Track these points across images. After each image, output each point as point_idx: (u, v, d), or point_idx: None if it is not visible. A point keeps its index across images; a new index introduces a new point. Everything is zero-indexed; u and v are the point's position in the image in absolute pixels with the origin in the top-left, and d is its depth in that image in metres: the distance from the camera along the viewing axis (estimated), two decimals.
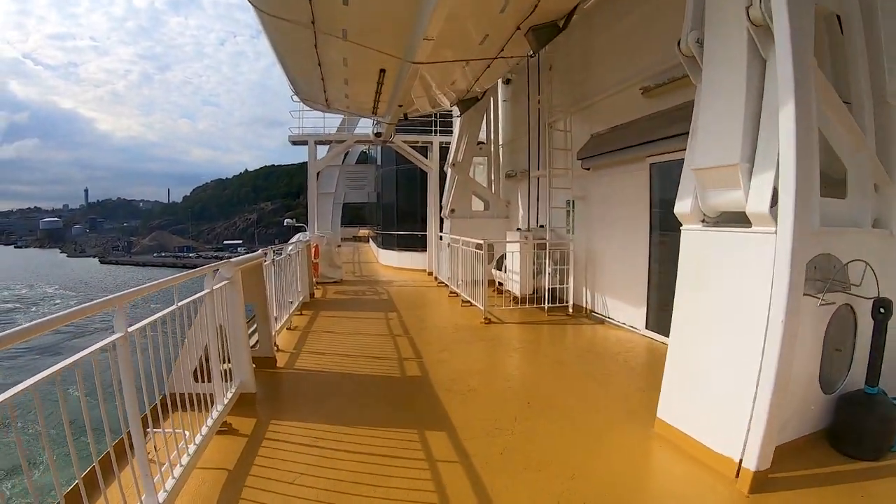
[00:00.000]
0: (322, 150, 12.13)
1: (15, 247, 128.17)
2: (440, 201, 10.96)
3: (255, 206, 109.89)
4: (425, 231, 12.35)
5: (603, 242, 7.17)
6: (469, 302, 7.91)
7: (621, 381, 4.50)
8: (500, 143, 10.75)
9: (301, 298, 7.76)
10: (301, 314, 7.38)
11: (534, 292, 7.67)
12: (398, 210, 14.39)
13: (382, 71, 6.06)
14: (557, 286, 7.42)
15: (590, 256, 7.45)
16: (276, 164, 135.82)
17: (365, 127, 13.63)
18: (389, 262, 14.56)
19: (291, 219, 20.52)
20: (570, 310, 7.31)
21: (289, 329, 6.28)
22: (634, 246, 6.32)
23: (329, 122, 12.85)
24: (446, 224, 10.25)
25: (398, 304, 8.56)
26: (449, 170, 10.22)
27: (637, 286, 6.24)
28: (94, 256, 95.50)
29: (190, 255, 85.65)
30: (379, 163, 15.63)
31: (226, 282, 3.35)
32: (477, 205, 10.78)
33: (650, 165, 6.04)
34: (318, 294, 9.46)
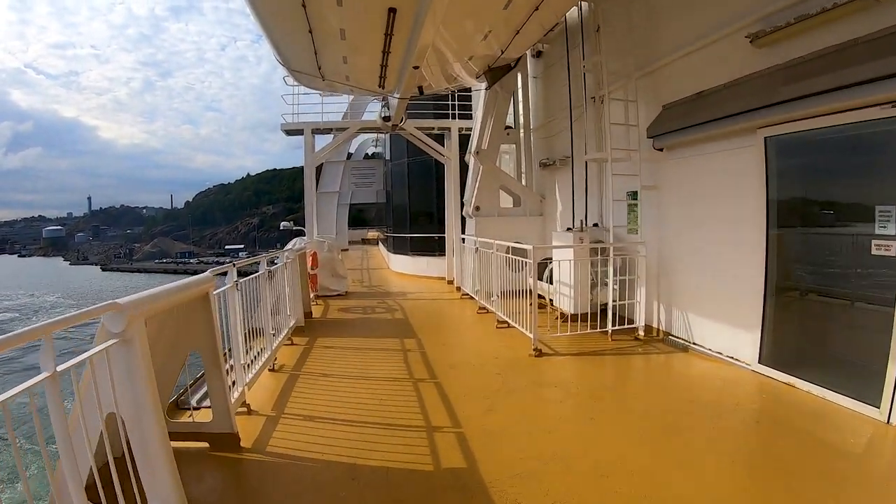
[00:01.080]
0: (322, 142, 10.50)
1: (19, 256, 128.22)
2: (461, 197, 9.34)
3: (257, 211, 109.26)
4: (443, 233, 10.74)
5: (685, 245, 5.53)
6: (506, 323, 6.28)
7: (779, 468, 2.84)
8: (531, 127, 9.10)
9: (293, 323, 6.16)
10: (291, 343, 5.80)
11: (589, 309, 6.01)
12: (411, 209, 12.76)
13: (392, 12, 4.43)
14: (616, 302, 5.78)
15: (664, 263, 5.81)
16: (278, 167, 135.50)
17: (372, 111, 12.06)
18: (402, 268, 12.92)
19: (289, 222, 18.91)
20: (641, 332, 5.68)
21: (271, 370, 4.69)
22: (739, 249, 4.70)
23: (329, 109, 11.28)
24: (469, 224, 8.62)
25: (416, 324, 6.96)
26: (471, 159, 8.57)
27: (743, 304, 4.61)
28: (97, 264, 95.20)
29: (191, 260, 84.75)
30: (388, 157, 13.93)
31: (112, 342, 1.75)
32: (504, 200, 9.14)
33: (765, 140, 4.40)
34: (317, 311, 7.88)
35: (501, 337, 5.98)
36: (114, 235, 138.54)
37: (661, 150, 5.72)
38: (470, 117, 10.29)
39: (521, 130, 9.14)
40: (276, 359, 4.89)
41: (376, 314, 7.91)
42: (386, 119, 8.78)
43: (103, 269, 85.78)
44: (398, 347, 5.65)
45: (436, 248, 11.32)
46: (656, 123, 5.66)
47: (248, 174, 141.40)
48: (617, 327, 5.69)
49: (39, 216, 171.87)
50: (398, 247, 13.47)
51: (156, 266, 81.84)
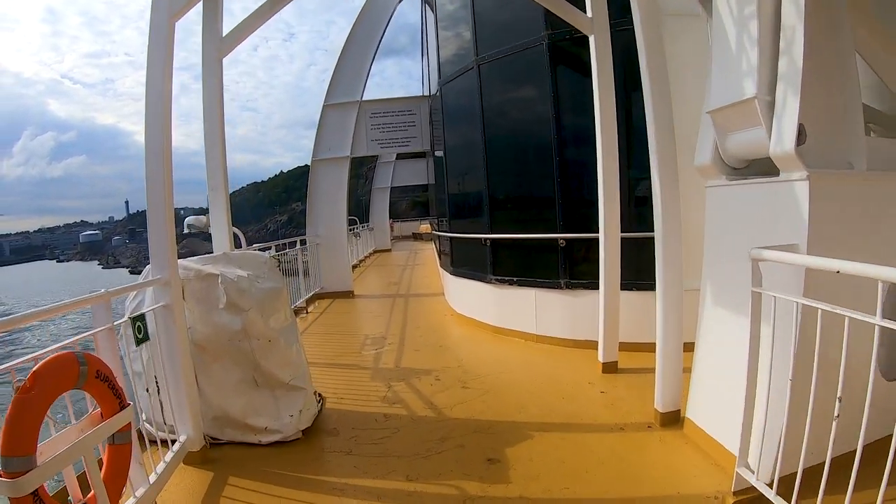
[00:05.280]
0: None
1: (57, 261, 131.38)
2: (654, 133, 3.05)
3: (287, 208, 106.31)
4: (579, 231, 4.53)
5: None
6: None
7: None
8: None
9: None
10: None
11: None
12: (491, 179, 5.62)
13: None
14: None
15: None
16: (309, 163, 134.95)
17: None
18: (474, 310, 6.05)
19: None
20: None
21: None
22: None
23: None
24: (724, 210, 2.50)
25: None
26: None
27: None
28: (127, 267, 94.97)
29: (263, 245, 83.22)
30: (436, 74, 7.11)
31: None
32: None
33: None
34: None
35: None
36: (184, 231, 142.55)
37: None
38: None
39: None
40: None
41: None
42: None
43: (131, 273, 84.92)
44: None
45: (557, 266, 4.99)
46: None
47: (281, 171, 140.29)
48: None
49: (81, 221, 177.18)
50: (462, 262, 6.44)
51: None
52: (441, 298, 7.78)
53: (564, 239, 4.79)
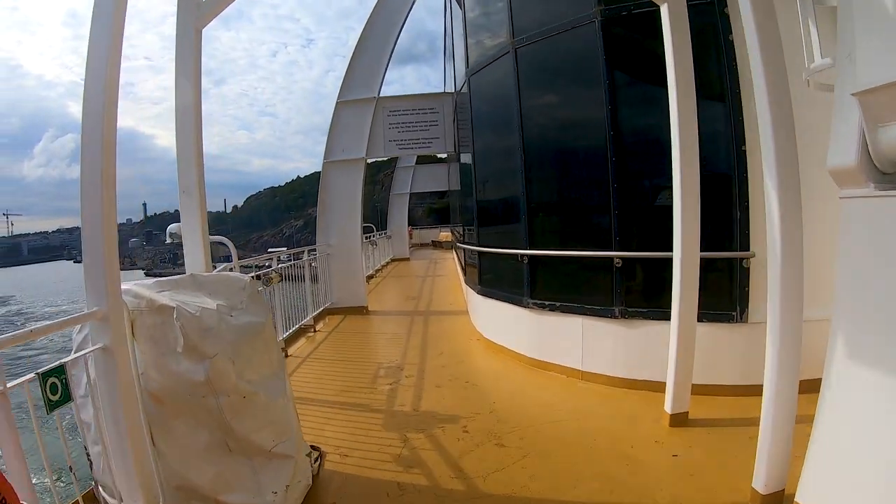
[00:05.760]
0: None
1: (74, 261, 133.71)
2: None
3: (303, 213, 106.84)
4: (658, 249, 3.68)
5: None
6: None
7: None
8: None
9: None
10: None
11: None
12: (529, 173, 4.67)
13: None
14: None
15: None
16: None
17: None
18: (511, 339, 5.03)
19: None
20: None
21: None
22: None
23: None
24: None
25: None
26: None
27: None
28: (143, 269, 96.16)
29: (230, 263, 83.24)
30: (463, 65, 6.19)
31: None
32: None
33: None
34: None
35: None
36: (166, 240, 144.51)
37: None
38: None
39: None
40: None
41: None
42: None
43: (146, 274, 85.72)
44: None
45: (610, 290, 4.09)
46: None
47: (298, 176, 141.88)
48: None
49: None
50: (493, 281, 5.54)
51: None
52: (464, 318, 6.95)
53: (621, 258, 3.96)
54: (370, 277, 12.56)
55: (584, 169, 4.42)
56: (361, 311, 7.99)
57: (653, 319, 3.87)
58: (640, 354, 3.96)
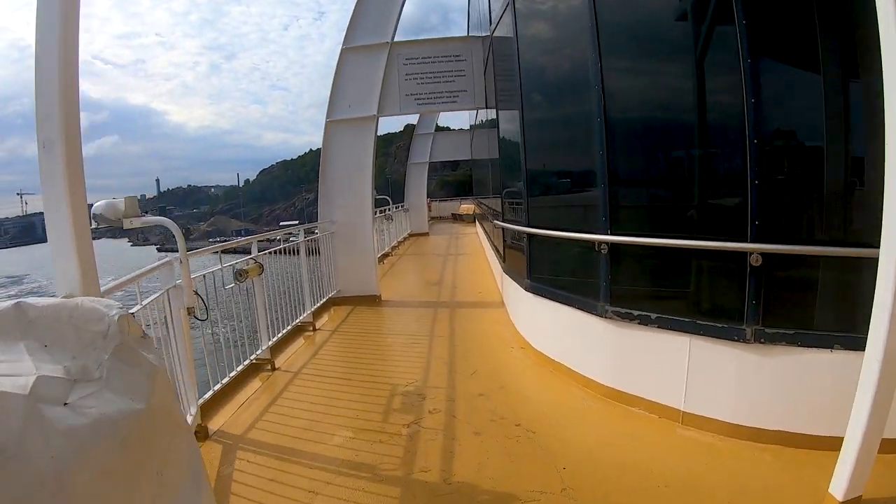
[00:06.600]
0: None
1: None
2: None
3: (314, 185, 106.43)
4: (820, 243, 2.40)
5: None
6: None
7: None
8: None
9: None
10: None
11: None
12: (625, 149, 3.27)
13: None
14: None
15: None
16: None
17: None
18: (575, 356, 3.62)
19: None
20: None
21: None
22: None
23: None
24: None
25: None
26: None
27: None
28: (156, 244, 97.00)
29: (240, 238, 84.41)
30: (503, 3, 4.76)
31: None
32: None
33: None
34: None
35: None
36: (179, 215, 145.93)
37: None
38: None
39: None
40: None
41: None
42: None
43: (159, 250, 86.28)
44: None
45: (741, 299, 2.63)
46: None
47: (310, 150, 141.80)
48: None
49: (114, 199, 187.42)
50: (549, 275, 4.15)
51: (208, 245, 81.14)
52: (498, 312, 5.68)
53: (762, 252, 2.60)
54: (385, 256, 11.34)
55: (701, 116, 3.00)
56: (373, 301, 6.76)
57: (805, 347, 2.55)
58: (779, 395, 2.66)
